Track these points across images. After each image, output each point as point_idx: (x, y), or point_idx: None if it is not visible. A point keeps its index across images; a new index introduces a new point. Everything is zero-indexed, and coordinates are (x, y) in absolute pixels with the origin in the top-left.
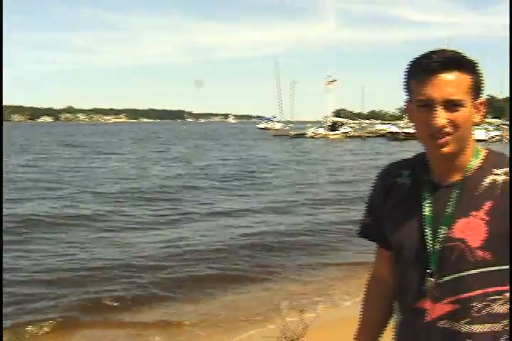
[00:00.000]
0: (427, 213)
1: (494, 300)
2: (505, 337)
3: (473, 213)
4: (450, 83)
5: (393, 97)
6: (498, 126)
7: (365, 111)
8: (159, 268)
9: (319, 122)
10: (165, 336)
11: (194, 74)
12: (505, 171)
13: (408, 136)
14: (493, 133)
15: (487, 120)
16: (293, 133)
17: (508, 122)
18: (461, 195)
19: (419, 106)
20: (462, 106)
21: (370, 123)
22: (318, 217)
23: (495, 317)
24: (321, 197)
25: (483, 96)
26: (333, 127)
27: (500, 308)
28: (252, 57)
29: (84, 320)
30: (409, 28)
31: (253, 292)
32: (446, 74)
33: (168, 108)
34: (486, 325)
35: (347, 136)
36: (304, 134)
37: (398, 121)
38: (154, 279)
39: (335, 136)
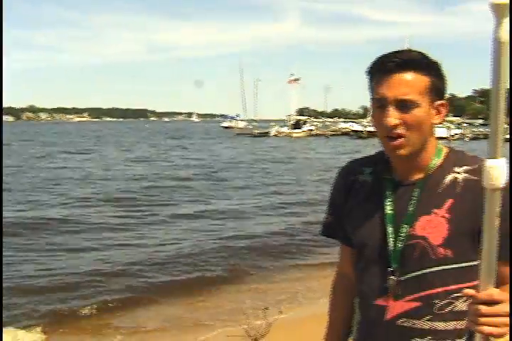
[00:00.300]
0: (389, 211)
1: (457, 298)
2: (468, 335)
3: (435, 211)
4: (404, 83)
5: (356, 96)
6: (459, 124)
7: (329, 110)
8: (125, 274)
9: (283, 121)
10: (130, 338)
11: (157, 72)
12: (465, 169)
13: (371, 135)
14: (454, 132)
15: (448, 118)
16: (256, 131)
17: (468, 120)
18: (423, 193)
19: (376, 107)
20: (416, 106)
21: (334, 122)
22: (285, 219)
23: (458, 315)
24: (289, 198)
25: (445, 98)
26: (297, 125)
27: (464, 306)
28: (215, 56)
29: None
30: (372, 27)
31: (218, 293)
32: (402, 74)
33: (131, 107)
34: (450, 322)
35: (311, 135)
36: (267, 133)
37: (361, 120)
38: (119, 285)
39: (298, 134)
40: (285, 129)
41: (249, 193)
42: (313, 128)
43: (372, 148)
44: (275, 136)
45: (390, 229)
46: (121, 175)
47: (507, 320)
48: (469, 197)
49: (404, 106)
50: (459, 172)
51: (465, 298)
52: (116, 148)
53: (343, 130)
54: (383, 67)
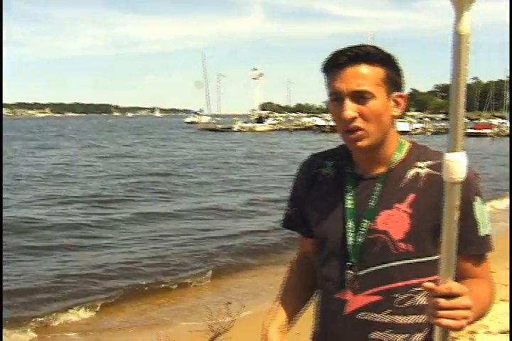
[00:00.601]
0: (349, 206)
1: (417, 292)
2: (428, 328)
3: (397, 205)
4: (357, 75)
5: (319, 91)
6: (420, 119)
7: (292, 105)
8: (91, 276)
9: (246, 116)
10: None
11: (121, 67)
12: (428, 164)
13: (334, 129)
14: (415, 126)
15: (410, 113)
16: (220, 126)
17: (430, 115)
18: (385, 187)
19: (332, 101)
20: (372, 98)
21: (297, 117)
22: (252, 217)
23: (418, 309)
24: (256, 196)
25: (403, 90)
26: (260, 120)
27: (424, 300)
28: (178, 51)
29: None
30: (334, 23)
31: (180, 290)
32: (354, 67)
33: (94, 102)
34: (410, 316)
35: (274, 129)
36: (230, 128)
37: (324, 114)
38: (84, 287)
39: (262, 128)
40: (249, 124)
41: (214, 190)
42: (275, 122)
43: (334, 143)
44: (239, 130)
45: (350, 224)
46: (85, 173)
47: (465, 313)
48: (431, 192)
49: (359, 97)
50: (421, 167)
51: (425, 292)
52: (79, 144)
53: (307, 124)
54: (336, 62)
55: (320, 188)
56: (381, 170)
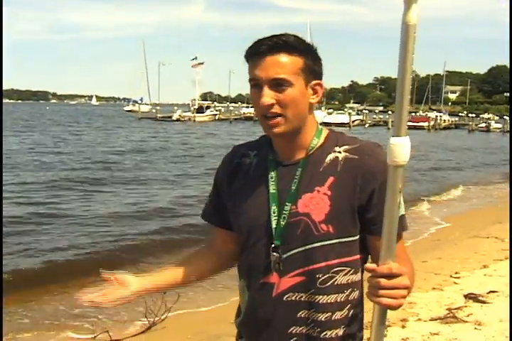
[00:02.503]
0: (272, 191)
1: (338, 272)
2: (348, 306)
3: (317, 188)
4: (276, 64)
5: None
6: (359, 111)
7: (233, 95)
8: None
9: (187, 105)
10: None
11: (60, 53)
12: (345, 149)
13: None
14: (354, 118)
15: (349, 105)
16: (159, 115)
17: (369, 107)
18: (305, 172)
19: (252, 87)
20: (289, 85)
21: (237, 107)
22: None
23: (339, 288)
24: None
25: (321, 79)
26: (200, 110)
27: (344, 279)
28: (118, 38)
29: None
30: (279, 14)
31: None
32: (274, 56)
33: (31, 88)
34: (332, 295)
35: (214, 119)
36: (170, 117)
37: None
38: None
39: (202, 119)
40: (189, 113)
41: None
42: (216, 112)
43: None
44: (178, 120)
45: (273, 208)
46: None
47: (404, 292)
48: (349, 175)
49: (277, 85)
50: (339, 152)
51: (345, 272)
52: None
53: (247, 115)
54: (257, 50)
55: (244, 177)
56: (301, 155)
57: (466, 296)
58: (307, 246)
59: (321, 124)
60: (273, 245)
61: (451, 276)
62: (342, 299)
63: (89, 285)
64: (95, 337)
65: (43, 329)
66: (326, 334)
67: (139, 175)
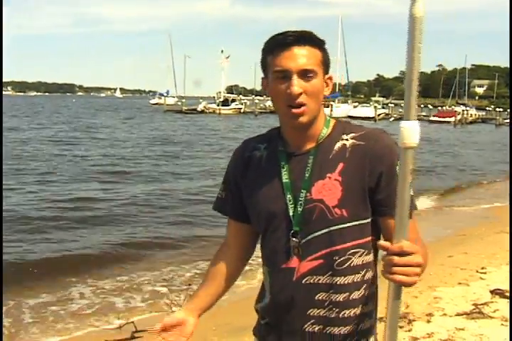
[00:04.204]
0: (286, 180)
1: (353, 253)
2: (364, 286)
3: (328, 175)
4: (304, 55)
5: None
6: (386, 104)
7: (258, 88)
8: None
9: (212, 98)
10: None
11: (86, 47)
12: (352, 136)
13: None
14: (379, 111)
15: (375, 98)
16: (185, 108)
17: (395, 101)
18: (316, 160)
19: (277, 78)
20: (315, 76)
21: (263, 100)
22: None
23: (355, 269)
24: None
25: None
26: (225, 103)
27: (359, 260)
28: (144, 31)
29: None
30: (303, 7)
31: (144, 268)
32: (300, 47)
33: (58, 81)
34: (349, 276)
35: (239, 112)
36: (195, 109)
37: None
38: None
39: (227, 111)
40: (213, 105)
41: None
42: (241, 106)
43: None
44: (203, 112)
45: (288, 197)
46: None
47: (417, 270)
48: (357, 160)
49: (305, 75)
50: (347, 139)
51: (360, 253)
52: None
53: (272, 108)
54: (283, 42)
55: (256, 169)
56: (311, 145)
57: (492, 292)
58: (323, 231)
59: (346, 118)
60: (292, 231)
61: (477, 271)
62: (358, 279)
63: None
64: (121, 327)
65: (68, 319)
66: (345, 313)
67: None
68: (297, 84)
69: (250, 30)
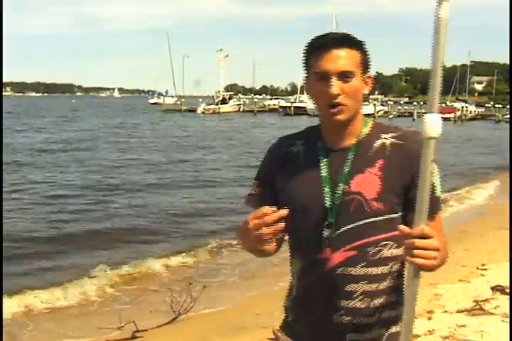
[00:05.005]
0: (324, 174)
1: (385, 245)
2: (392, 277)
3: (368, 170)
4: (343, 57)
5: (285, 73)
6: (385, 102)
7: (257, 87)
8: None
9: (212, 97)
10: None
11: (85, 46)
12: (392, 135)
13: (298, 110)
14: (378, 108)
15: (374, 96)
16: (184, 108)
17: (394, 98)
18: (356, 155)
19: (317, 80)
20: (353, 77)
21: (262, 99)
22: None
23: (384, 260)
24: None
25: (370, 72)
26: (224, 101)
27: (388, 252)
28: (142, 30)
29: None
30: (301, 4)
31: (141, 267)
32: (339, 50)
33: (57, 81)
34: (379, 267)
35: (239, 110)
36: (195, 109)
37: (289, 97)
38: None
39: (226, 109)
40: (212, 106)
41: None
42: (240, 102)
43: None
44: (203, 112)
45: (326, 189)
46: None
47: (435, 253)
48: (396, 159)
49: (344, 77)
50: (386, 138)
51: (390, 246)
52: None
53: (271, 106)
54: (323, 44)
55: (293, 164)
56: (351, 142)
57: (493, 288)
58: (359, 222)
59: None
60: (327, 223)
61: (477, 268)
62: (386, 271)
63: None
64: (122, 327)
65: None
66: (374, 304)
67: None
68: (336, 85)
69: (249, 28)
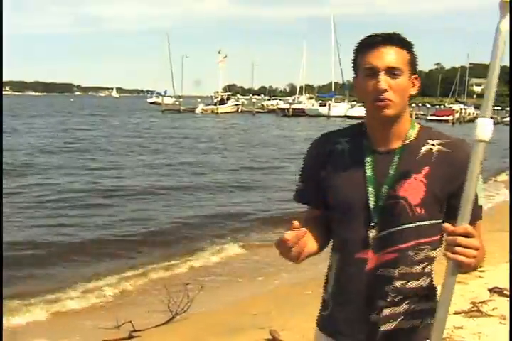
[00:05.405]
0: (369, 174)
1: (423, 249)
2: (424, 277)
3: (414, 175)
4: (391, 54)
5: (283, 74)
6: None
7: (256, 87)
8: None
9: (210, 98)
10: None
11: (84, 46)
12: (439, 142)
13: (296, 112)
14: None
15: None
16: (182, 108)
17: None
18: (402, 159)
19: (366, 76)
20: (401, 74)
21: (260, 99)
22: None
23: (418, 262)
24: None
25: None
26: (222, 101)
27: (424, 255)
28: (142, 30)
29: None
30: (301, 6)
31: (142, 268)
32: (387, 47)
33: (56, 81)
34: (415, 267)
35: (237, 111)
36: (194, 109)
37: (288, 97)
38: None
39: (224, 110)
40: (211, 106)
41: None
42: (238, 102)
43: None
44: (201, 112)
45: (370, 190)
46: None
47: (475, 252)
48: (442, 167)
49: (392, 73)
50: (433, 145)
51: (428, 249)
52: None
53: (269, 107)
54: (372, 42)
55: (338, 162)
56: (397, 144)
57: (490, 290)
58: (403, 226)
59: (345, 117)
60: (371, 224)
61: (475, 270)
62: (420, 270)
63: None
64: (119, 326)
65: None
66: (409, 302)
67: None
68: (384, 81)
69: (248, 29)
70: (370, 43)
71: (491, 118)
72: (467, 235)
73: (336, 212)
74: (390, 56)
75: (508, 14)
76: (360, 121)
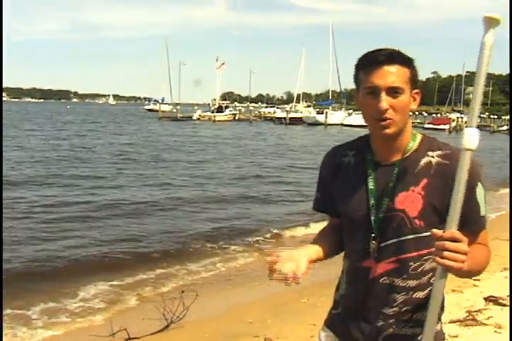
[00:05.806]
0: (371, 187)
1: (426, 260)
2: (428, 288)
3: (412, 188)
4: (393, 73)
5: (281, 82)
6: None
7: (253, 95)
8: None
9: (208, 105)
10: None
11: (82, 53)
12: (438, 154)
13: (293, 121)
14: None
15: None
16: (180, 115)
17: None
18: (401, 172)
19: (367, 94)
20: (402, 93)
21: (257, 107)
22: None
23: (424, 273)
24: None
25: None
26: (220, 109)
27: (429, 266)
28: (140, 37)
29: None
30: (298, 14)
31: (137, 275)
32: (390, 66)
33: (53, 87)
34: (419, 280)
35: (234, 119)
36: (191, 117)
37: (285, 105)
38: None
39: (221, 118)
40: (208, 113)
41: None
42: (236, 112)
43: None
44: (198, 119)
45: (372, 202)
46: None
47: (463, 257)
48: (441, 179)
49: (393, 92)
50: (433, 157)
51: (431, 260)
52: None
53: (266, 115)
54: (374, 60)
55: (344, 174)
56: (398, 157)
57: (486, 299)
58: (402, 238)
59: (341, 125)
60: (373, 234)
61: (470, 279)
62: (424, 282)
63: None
64: (114, 334)
65: (60, 325)
66: (412, 311)
67: None
68: (385, 101)
69: (246, 36)
70: (372, 61)
71: (486, 127)
72: (455, 240)
73: (344, 222)
74: (391, 76)
75: (492, 29)
76: (357, 128)
